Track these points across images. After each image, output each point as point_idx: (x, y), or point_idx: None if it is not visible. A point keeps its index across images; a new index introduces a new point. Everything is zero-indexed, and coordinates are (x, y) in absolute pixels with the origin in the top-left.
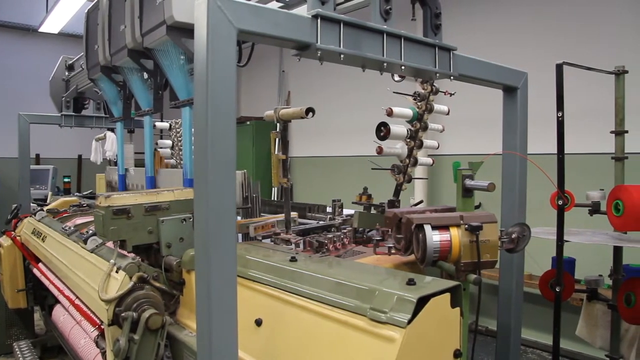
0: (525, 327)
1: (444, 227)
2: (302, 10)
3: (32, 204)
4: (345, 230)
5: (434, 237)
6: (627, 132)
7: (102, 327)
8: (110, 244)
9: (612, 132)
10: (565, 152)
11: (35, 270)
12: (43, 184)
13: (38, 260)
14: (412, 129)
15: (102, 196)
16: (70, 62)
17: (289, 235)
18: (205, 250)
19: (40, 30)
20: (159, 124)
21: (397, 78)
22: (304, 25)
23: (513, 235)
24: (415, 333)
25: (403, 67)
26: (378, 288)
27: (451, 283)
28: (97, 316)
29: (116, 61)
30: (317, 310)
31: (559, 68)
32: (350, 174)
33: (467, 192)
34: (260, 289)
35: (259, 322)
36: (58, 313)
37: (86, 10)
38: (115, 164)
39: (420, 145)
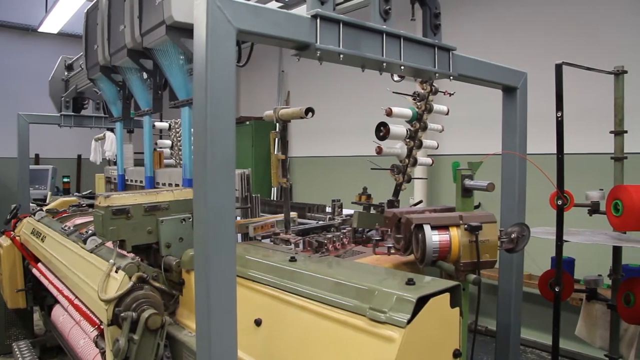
0: (524, 327)
1: (444, 227)
2: (302, 10)
3: (31, 204)
4: (344, 230)
5: (434, 237)
6: (626, 132)
7: (102, 327)
8: (109, 244)
9: (611, 132)
10: (565, 152)
11: (34, 270)
12: (42, 184)
13: (37, 260)
14: (412, 129)
15: (102, 196)
16: (70, 62)
17: (289, 235)
18: (205, 250)
19: (40, 30)
20: (158, 124)
21: (396, 78)
22: (304, 25)
23: (512, 235)
24: (415, 333)
25: (402, 67)
26: (377, 288)
27: (451, 283)
28: (96, 316)
29: (115, 61)
30: (316, 310)
31: (558, 68)
32: (349, 174)
33: (467, 192)
34: (259, 289)
35: (258, 322)
36: (57, 313)
37: (85, 10)
38: (115, 164)
39: (420, 145)
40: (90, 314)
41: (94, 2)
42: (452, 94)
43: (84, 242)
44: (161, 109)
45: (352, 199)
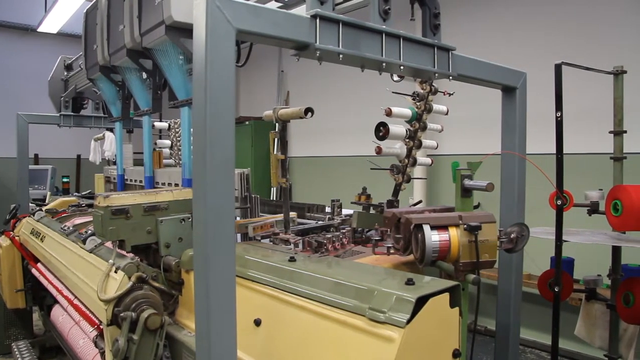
0: (524, 326)
1: (443, 227)
2: (301, 10)
3: (30, 204)
4: (344, 230)
5: (433, 237)
6: (625, 132)
7: (101, 327)
8: (109, 244)
9: (610, 132)
10: (564, 152)
11: (34, 271)
12: (42, 184)
13: (37, 261)
14: (411, 129)
15: (101, 196)
16: (69, 62)
17: (288, 235)
18: (204, 250)
19: (39, 30)
20: (157, 124)
21: (396, 78)
22: (303, 25)
23: (512, 235)
24: (414, 333)
25: (402, 67)
26: (377, 288)
27: (450, 283)
28: (95, 316)
29: (115, 61)
30: (316, 310)
31: (558, 68)
32: (349, 174)
33: (466, 192)
34: (259, 289)
35: (257, 322)
36: (57, 313)
37: (85, 10)
38: (114, 164)
39: (419, 145)
40: (90, 314)
41: (93, 2)
42: (452, 94)
43: (84, 242)
44: (160, 109)
45: (352, 199)
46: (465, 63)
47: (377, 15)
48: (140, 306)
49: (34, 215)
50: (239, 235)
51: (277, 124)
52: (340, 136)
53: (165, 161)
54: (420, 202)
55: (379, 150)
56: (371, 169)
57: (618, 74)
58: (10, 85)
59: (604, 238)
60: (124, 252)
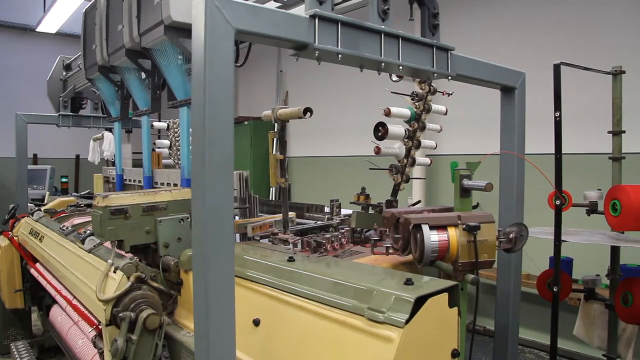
0: (523, 326)
1: (442, 227)
2: (300, 10)
3: (29, 204)
4: (343, 230)
5: (432, 237)
6: (624, 132)
7: (100, 327)
8: (107, 244)
9: (609, 132)
10: (563, 152)
11: (32, 271)
12: (40, 184)
13: (35, 261)
14: (410, 129)
15: (100, 196)
16: (68, 61)
17: (287, 235)
18: (203, 250)
19: (38, 30)
20: (156, 124)
21: (395, 78)
22: (302, 25)
23: (511, 235)
24: (413, 333)
25: (401, 67)
26: (376, 288)
27: (449, 283)
28: (94, 316)
29: (114, 61)
30: (315, 310)
31: (557, 68)
32: (348, 174)
33: (465, 192)
34: (258, 289)
35: (256, 322)
36: (55, 313)
37: (84, 10)
38: (113, 164)
39: (418, 145)
40: (89, 314)
41: (92, 2)
42: (451, 94)
43: (82, 242)
44: (159, 109)
45: (351, 199)
46: (464, 63)
47: (376, 15)
48: (139, 306)
49: (32, 215)
50: (237, 235)
51: (276, 124)
52: (339, 136)
53: (164, 161)
54: (419, 202)
55: (377, 150)
56: (370, 169)
57: (617, 74)
58: (9, 85)
59: (602, 238)
60: (122, 252)
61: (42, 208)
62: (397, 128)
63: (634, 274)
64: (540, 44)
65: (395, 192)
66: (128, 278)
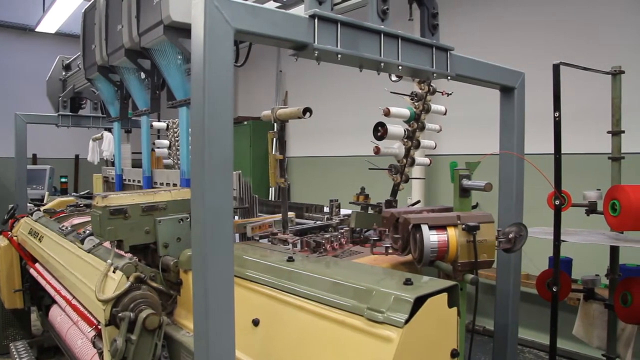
0: (522, 326)
1: (441, 227)
2: (300, 10)
3: (28, 204)
4: (342, 230)
5: (431, 237)
6: (623, 132)
7: (99, 327)
8: (107, 244)
9: (608, 132)
10: (562, 152)
11: (32, 271)
12: (40, 184)
13: (35, 261)
14: (410, 129)
15: (99, 196)
16: (67, 61)
17: (286, 235)
18: (203, 250)
19: (37, 29)
20: (156, 124)
21: (394, 78)
22: (301, 25)
23: (510, 235)
24: (413, 333)
25: (400, 67)
26: (375, 288)
27: (448, 283)
28: (94, 316)
29: (113, 61)
30: (314, 310)
31: (556, 68)
32: (347, 174)
33: (464, 192)
34: (257, 289)
35: (256, 322)
36: (55, 313)
37: (83, 10)
38: (112, 164)
39: (418, 145)
40: (88, 314)
41: (91, 1)
42: (450, 94)
43: (82, 242)
44: (159, 109)
45: (350, 199)
46: (464, 63)
47: (375, 15)
48: (138, 306)
49: (32, 215)
50: (237, 235)
51: (275, 124)
52: (339, 136)
53: (164, 161)
54: (418, 202)
55: (377, 150)
56: (369, 169)
57: (616, 74)
58: (9, 85)
59: (602, 238)
60: (122, 252)
61: (42, 208)
62: (396, 128)
63: (633, 274)
64: (539, 44)
65: (394, 192)
66: (127, 278)
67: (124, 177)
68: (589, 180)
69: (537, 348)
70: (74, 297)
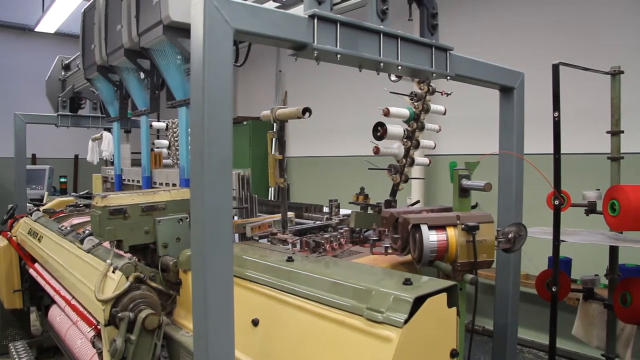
0: (521, 326)
1: (441, 227)
2: (299, 10)
3: (28, 204)
4: (342, 230)
5: (431, 237)
6: (622, 132)
7: (99, 327)
8: (106, 244)
9: (608, 132)
10: (562, 152)
11: (31, 271)
12: (39, 184)
13: (34, 261)
14: (409, 129)
15: (99, 196)
16: (67, 61)
17: (286, 235)
18: (202, 250)
19: (37, 29)
20: (155, 124)
21: (393, 78)
22: (301, 25)
23: (509, 235)
24: (412, 333)
25: (400, 67)
26: (375, 288)
27: (448, 283)
28: (93, 316)
29: (113, 61)
30: (313, 310)
31: (556, 68)
32: (347, 174)
33: (464, 192)
34: (256, 289)
35: (255, 322)
36: (54, 313)
37: (82, 10)
38: (112, 164)
39: (417, 145)
40: (88, 314)
41: (91, 1)
42: (450, 94)
43: (81, 242)
44: (158, 109)
45: (350, 199)
46: (463, 63)
47: (374, 15)
48: (138, 306)
49: (31, 215)
50: (237, 235)
51: (275, 124)
52: (338, 136)
53: (163, 161)
54: (418, 202)
55: (376, 150)
56: (369, 169)
57: (615, 74)
58: (8, 85)
59: (601, 238)
60: (121, 252)
61: (41, 208)
62: (396, 128)
63: (633, 274)
64: (539, 44)
65: (394, 192)
66: (127, 278)
67: (123, 177)
68: (589, 180)
69: (537, 348)
70: (73, 297)
